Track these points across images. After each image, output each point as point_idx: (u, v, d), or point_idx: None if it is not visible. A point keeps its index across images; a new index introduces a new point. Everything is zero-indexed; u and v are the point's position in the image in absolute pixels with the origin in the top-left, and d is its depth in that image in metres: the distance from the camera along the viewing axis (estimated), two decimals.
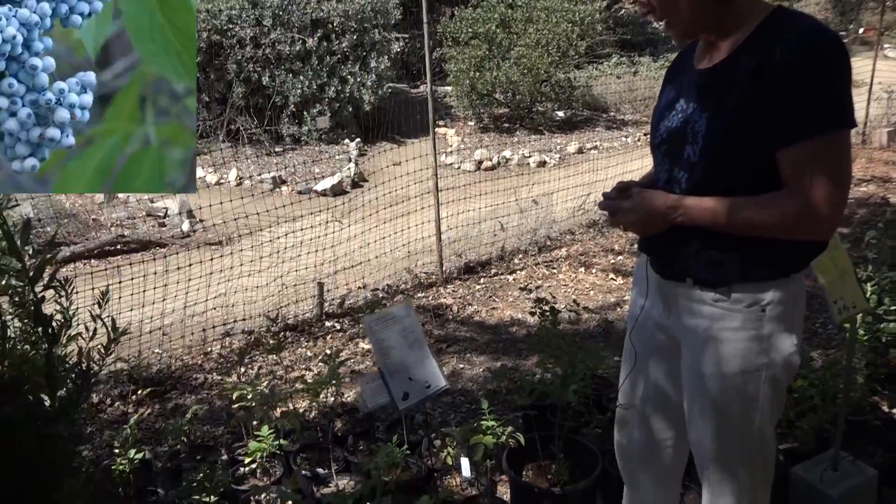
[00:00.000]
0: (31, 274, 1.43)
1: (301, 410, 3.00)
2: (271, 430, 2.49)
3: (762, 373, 1.64)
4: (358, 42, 10.21)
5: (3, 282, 1.63)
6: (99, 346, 1.80)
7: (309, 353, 3.89)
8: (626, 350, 1.98)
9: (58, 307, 1.70)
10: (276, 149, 9.63)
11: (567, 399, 2.41)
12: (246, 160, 9.26)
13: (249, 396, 2.48)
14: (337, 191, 8.34)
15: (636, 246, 1.91)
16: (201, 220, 7.15)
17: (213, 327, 4.05)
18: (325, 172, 8.95)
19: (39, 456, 1.50)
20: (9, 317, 1.71)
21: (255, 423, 2.59)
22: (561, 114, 11.24)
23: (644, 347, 1.90)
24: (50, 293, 1.64)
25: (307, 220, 5.45)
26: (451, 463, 2.56)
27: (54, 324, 1.60)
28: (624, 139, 10.40)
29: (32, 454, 1.50)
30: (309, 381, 2.69)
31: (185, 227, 7.04)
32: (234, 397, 2.48)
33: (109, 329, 1.84)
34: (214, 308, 4.24)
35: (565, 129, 10.93)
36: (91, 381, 1.69)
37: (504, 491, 2.68)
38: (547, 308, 3.08)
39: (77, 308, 1.76)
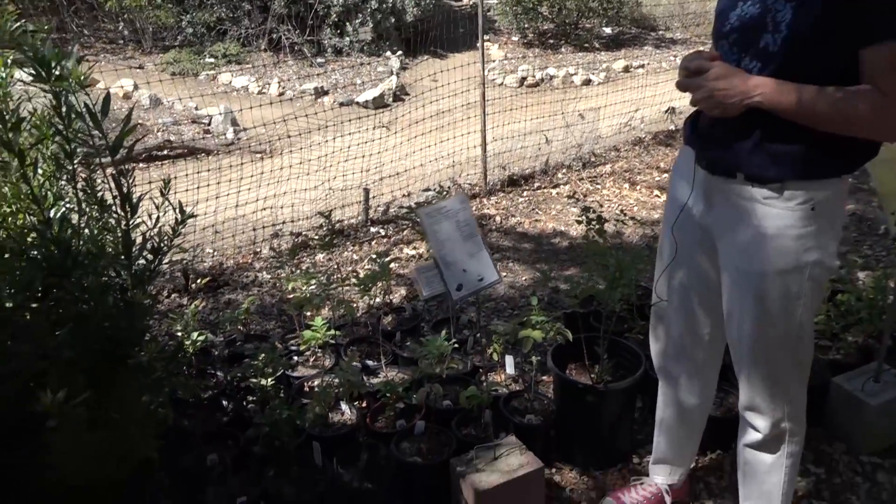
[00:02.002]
0: (112, 144, 1.48)
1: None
2: (324, 322, 2.58)
3: (806, 271, 1.65)
4: None
5: (77, 160, 1.70)
6: (167, 227, 1.88)
7: (355, 257, 3.97)
8: (663, 244, 1.98)
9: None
10: (318, 59, 9.54)
11: (612, 302, 2.45)
12: (288, 70, 9.21)
13: (304, 287, 2.56)
14: (379, 103, 8.29)
15: (683, 139, 1.87)
16: (245, 129, 7.19)
17: (263, 227, 4.14)
18: (367, 85, 8.88)
19: (119, 322, 1.60)
20: (81, 195, 1.79)
21: (307, 314, 2.69)
22: (608, 30, 10.90)
23: (682, 243, 1.90)
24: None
25: (350, 128, 5.45)
26: (496, 359, 2.64)
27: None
28: (672, 58, 10.07)
29: (113, 320, 1.59)
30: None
31: (230, 135, 7.10)
32: (289, 287, 2.57)
33: (177, 211, 1.91)
34: (264, 209, 4.33)
35: (612, 47, 10.61)
36: (162, 257, 1.77)
37: (545, 390, 2.77)
38: (594, 217, 3.10)
39: (140, 195, 1.82)
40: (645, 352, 2.58)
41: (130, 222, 1.61)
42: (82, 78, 1.40)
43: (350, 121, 5.48)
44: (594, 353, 2.53)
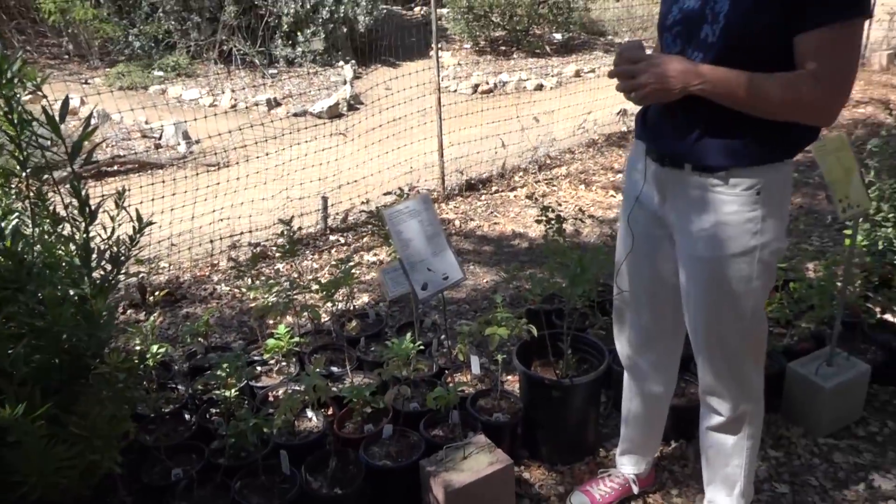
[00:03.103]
0: (70, 150, 1.45)
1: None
2: (288, 329, 2.56)
3: (756, 254, 1.71)
4: None
5: (28, 171, 1.66)
6: (125, 236, 1.85)
7: (315, 265, 3.95)
8: (620, 237, 2.02)
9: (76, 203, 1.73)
10: (270, 71, 9.47)
11: (574, 299, 2.49)
12: (239, 82, 9.12)
13: (266, 295, 2.54)
14: (333, 113, 8.26)
15: (634, 134, 1.92)
16: (197, 141, 7.09)
17: (221, 239, 4.09)
18: (321, 95, 8.84)
19: (79, 334, 1.56)
20: (33, 207, 1.75)
21: (270, 322, 2.66)
22: (558, 36, 11.05)
23: (640, 235, 1.94)
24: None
25: (305, 136, 5.42)
26: (462, 359, 2.65)
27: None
28: None
29: (72, 332, 1.56)
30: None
31: (182, 148, 6.98)
32: (251, 296, 2.54)
33: (134, 220, 1.88)
34: (221, 220, 4.27)
35: (562, 53, 10.76)
36: (120, 267, 1.74)
37: (510, 388, 2.79)
38: (553, 216, 3.14)
39: (96, 205, 1.79)
40: (608, 346, 2.62)
41: (90, 229, 1.57)
42: (36, 81, 1.37)
43: (306, 128, 5.44)
44: (557, 350, 2.56)
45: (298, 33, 9.62)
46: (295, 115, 8.20)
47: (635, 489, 2.32)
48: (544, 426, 2.50)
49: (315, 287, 2.57)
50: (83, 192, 1.71)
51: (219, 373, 2.40)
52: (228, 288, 3.74)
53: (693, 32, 1.64)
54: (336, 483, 2.19)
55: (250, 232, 4.19)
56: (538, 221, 3.18)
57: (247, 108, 8.41)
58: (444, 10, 11.42)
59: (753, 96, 1.53)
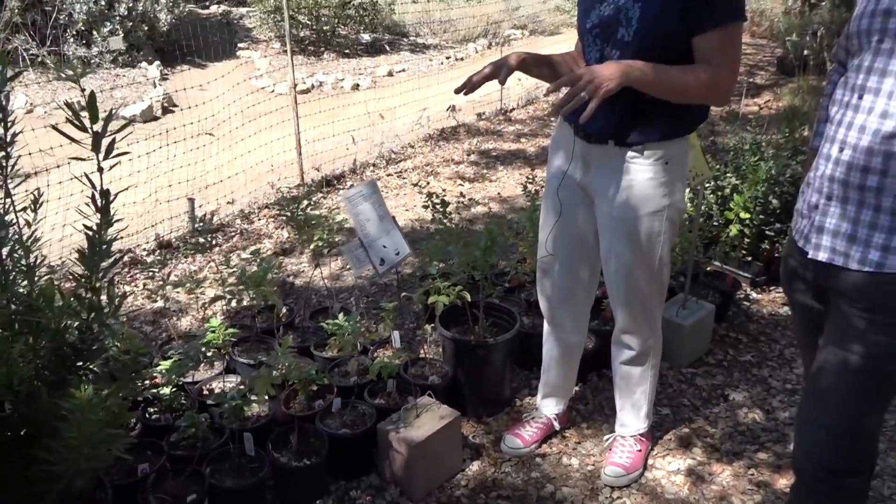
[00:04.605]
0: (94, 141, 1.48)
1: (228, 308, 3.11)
2: (221, 322, 2.61)
3: (664, 212, 2.14)
4: None
5: None
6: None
7: (194, 267, 3.89)
8: (547, 207, 2.37)
9: None
10: (67, 72, 8.74)
11: (486, 268, 2.80)
12: (31, 85, 8.34)
13: (193, 291, 2.57)
14: (147, 116, 7.87)
15: (561, 117, 2.23)
16: None
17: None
18: (129, 98, 8.36)
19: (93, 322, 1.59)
20: None
21: (204, 313, 2.67)
22: (366, 37, 11.35)
23: (566, 205, 2.30)
24: None
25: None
26: (387, 335, 2.86)
27: None
28: (429, 62, 10.80)
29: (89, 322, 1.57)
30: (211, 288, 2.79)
31: None
32: (183, 291, 2.55)
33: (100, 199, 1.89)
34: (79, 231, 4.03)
35: (372, 53, 11.07)
36: (120, 258, 1.76)
37: (430, 356, 3.04)
38: (438, 201, 3.44)
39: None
40: (517, 309, 2.97)
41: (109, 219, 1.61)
42: None
43: (137, 141, 5.23)
44: (475, 315, 2.86)
45: (94, 32, 9.00)
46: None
47: (557, 426, 2.69)
48: (470, 384, 2.78)
49: (231, 280, 2.63)
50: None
51: (158, 371, 2.41)
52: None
53: (610, 34, 2.02)
54: (303, 455, 2.31)
55: (120, 238, 4.00)
56: (425, 207, 3.46)
57: (46, 113, 7.75)
58: (244, 10, 11.29)
59: (664, 81, 1.93)
